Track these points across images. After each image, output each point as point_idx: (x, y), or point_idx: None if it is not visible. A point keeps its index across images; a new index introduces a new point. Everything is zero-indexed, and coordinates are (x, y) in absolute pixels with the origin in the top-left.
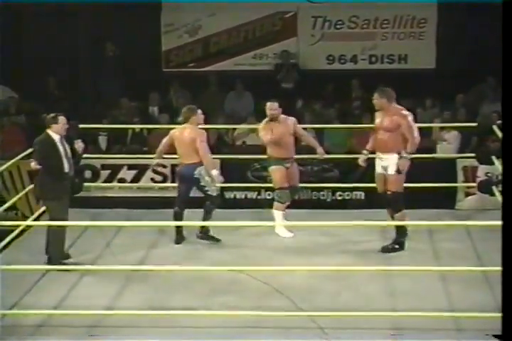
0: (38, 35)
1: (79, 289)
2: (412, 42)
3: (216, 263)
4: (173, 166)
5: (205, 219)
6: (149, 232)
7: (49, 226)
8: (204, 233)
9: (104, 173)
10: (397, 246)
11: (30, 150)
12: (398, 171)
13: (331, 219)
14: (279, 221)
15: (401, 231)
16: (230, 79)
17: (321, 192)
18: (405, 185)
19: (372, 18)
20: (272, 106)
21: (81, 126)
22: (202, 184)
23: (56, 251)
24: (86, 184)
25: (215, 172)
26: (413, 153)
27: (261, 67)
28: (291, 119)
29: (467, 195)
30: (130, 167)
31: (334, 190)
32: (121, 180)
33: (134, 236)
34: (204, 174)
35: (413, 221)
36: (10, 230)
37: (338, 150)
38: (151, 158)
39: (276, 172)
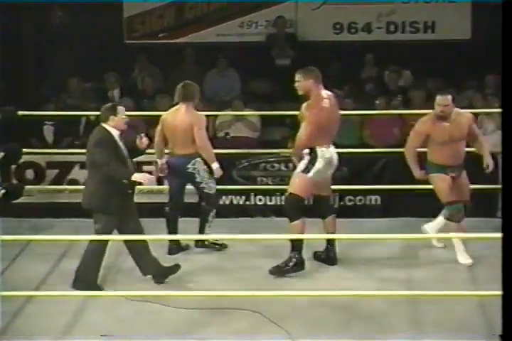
0: None
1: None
2: (441, 6)
3: (199, 287)
4: (139, 164)
5: (202, 224)
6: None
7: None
8: (202, 241)
9: (51, 173)
10: (284, 267)
11: None
12: (304, 170)
13: (338, 230)
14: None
15: (294, 246)
16: (210, 54)
17: None
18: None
19: None
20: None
21: (20, 113)
22: (197, 180)
23: (89, 274)
24: (28, 187)
25: (216, 165)
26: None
27: (249, 38)
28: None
29: None
30: (83, 165)
31: (343, 194)
32: (73, 182)
33: None
34: (200, 168)
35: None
36: None
37: (347, 143)
38: None
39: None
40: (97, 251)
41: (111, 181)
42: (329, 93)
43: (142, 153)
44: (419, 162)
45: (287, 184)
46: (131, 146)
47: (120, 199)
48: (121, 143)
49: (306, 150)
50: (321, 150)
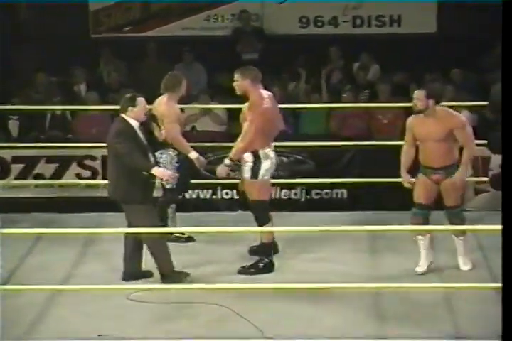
0: None
1: None
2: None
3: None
4: (104, 158)
5: (163, 219)
6: (74, 241)
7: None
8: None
9: (16, 168)
10: (253, 269)
11: None
12: (252, 176)
13: (305, 223)
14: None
15: (265, 249)
16: (176, 48)
17: (293, 190)
18: (399, 180)
19: None
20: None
21: None
22: None
23: (167, 265)
24: None
25: (194, 155)
26: (235, 162)
27: (216, 31)
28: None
29: (477, 192)
30: (49, 159)
31: (309, 187)
32: (39, 176)
33: (58, 247)
34: (168, 159)
35: (406, 225)
36: None
37: (313, 132)
38: (77, 148)
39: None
40: (158, 243)
41: (133, 172)
42: (269, 93)
43: (162, 145)
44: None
45: None
46: (150, 138)
47: (144, 190)
48: (141, 135)
49: (248, 154)
50: (264, 152)
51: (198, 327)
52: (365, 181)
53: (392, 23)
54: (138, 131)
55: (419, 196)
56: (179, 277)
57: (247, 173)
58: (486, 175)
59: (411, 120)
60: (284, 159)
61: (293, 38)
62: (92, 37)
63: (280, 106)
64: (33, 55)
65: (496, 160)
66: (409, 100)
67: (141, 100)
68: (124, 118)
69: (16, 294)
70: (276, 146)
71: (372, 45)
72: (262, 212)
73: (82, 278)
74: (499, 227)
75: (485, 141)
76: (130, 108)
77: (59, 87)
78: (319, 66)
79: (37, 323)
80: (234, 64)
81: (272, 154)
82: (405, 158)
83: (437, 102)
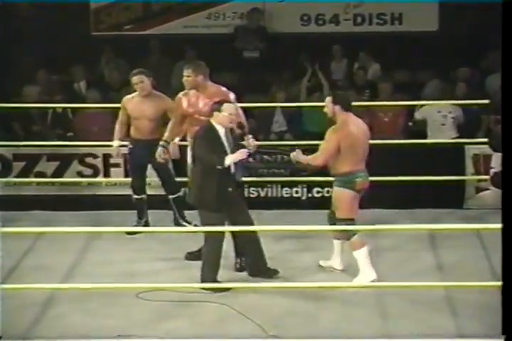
0: None
1: None
2: None
3: (160, 279)
4: (106, 156)
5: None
6: (76, 239)
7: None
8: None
9: (18, 165)
10: (240, 265)
11: None
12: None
13: (306, 222)
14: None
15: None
16: (178, 46)
17: (295, 188)
18: (399, 178)
19: None
20: None
21: None
22: None
23: (211, 275)
24: None
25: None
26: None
27: (217, 29)
28: None
29: (478, 190)
30: (51, 157)
31: (311, 186)
32: (40, 174)
33: (58, 245)
34: None
35: (409, 223)
36: None
37: (316, 134)
38: (78, 146)
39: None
40: (213, 250)
41: (211, 175)
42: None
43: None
44: None
45: (257, 176)
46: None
47: (218, 198)
48: (225, 141)
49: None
50: None
51: (199, 326)
52: None
53: (393, 21)
54: (223, 137)
55: None
56: (219, 289)
57: (190, 159)
58: (488, 173)
59: None
60: (286, 157)
61: (294, 36)
62: (93, 35)
63: (283, 104)
64: (33, 53)
65: (498, 158)
66: (411, 98)
67: (227, 107)
68: (210, 123)
69: (16, 292)
70: (277, 145)
71: (373, 43)
72: None
73: (83, 276)
74: (499, 226)
75: (486, 139)
76: (215, 113)
77: (60, 85)
78: (321, 64)
79: (38, 322)
80: (235, 62)
81: None
82: None
83: (345, 109)
